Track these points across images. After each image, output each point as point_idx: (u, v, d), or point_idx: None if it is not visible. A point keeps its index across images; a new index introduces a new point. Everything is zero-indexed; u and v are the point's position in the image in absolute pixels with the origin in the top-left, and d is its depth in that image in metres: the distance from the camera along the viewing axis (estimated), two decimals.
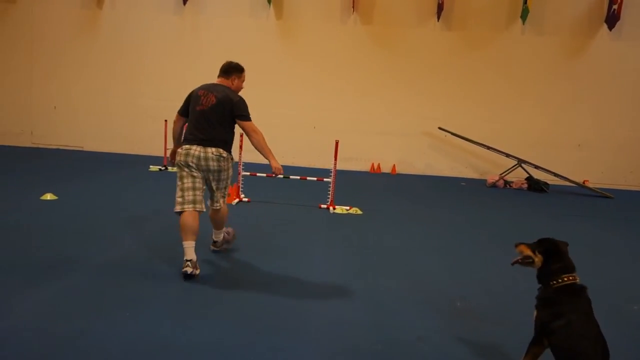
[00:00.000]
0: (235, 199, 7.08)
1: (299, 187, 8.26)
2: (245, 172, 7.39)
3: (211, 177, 4.23)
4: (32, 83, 12.08)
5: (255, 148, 4.37)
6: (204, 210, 4.20)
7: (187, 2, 11.52)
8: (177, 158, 4.19)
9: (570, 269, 2.61)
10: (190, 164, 4.10)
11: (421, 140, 11.75)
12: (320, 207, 7.08)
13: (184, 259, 3.96)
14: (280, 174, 4.56)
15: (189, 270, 3.90)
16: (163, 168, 9.66)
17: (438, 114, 11.49)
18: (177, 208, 4.12)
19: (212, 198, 4.39)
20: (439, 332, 3.32)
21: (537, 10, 10.90)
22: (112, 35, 11.83)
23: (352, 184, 9.60)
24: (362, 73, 11.61)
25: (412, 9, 11.36)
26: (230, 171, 4.35)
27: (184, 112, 4.40)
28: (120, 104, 11.91)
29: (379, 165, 11.78)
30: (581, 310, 2.50)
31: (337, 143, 7.06)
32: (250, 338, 3.08)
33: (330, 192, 7.07)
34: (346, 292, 3.95)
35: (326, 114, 11.73)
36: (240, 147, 7.25)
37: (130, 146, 11.84)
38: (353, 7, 11.24)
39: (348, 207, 7.04)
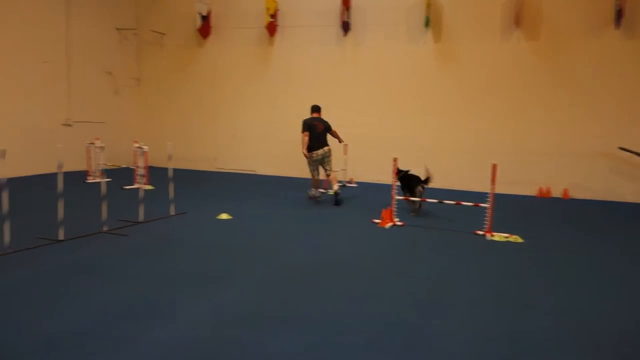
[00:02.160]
0: (389, 222, 7.19)
1: (455, 212, 8.06)
2: (398, 196, 7.45)
3: (325, 160, 8.86)
4: (217, 115, 13.80)
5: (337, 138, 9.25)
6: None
7: (348, 33, 12.15)
8: (315, 157, 8.76)
9: None
10: (319, 158, 8.78)
11: (598, 161, 10.56)
12: (476, 234, 6.81)
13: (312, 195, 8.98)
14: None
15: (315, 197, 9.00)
16: (324, 191, 10.20)
17: (617, 133, 10.25)
18: (315, 175, 8.98)
19: (325, 170, 8.98)
20: None
21: None
22: (281, 69, 12.99)
23: (515, 209, 9.04)
24: (525, 92, 10.93)
25: (584, 18, 10.40)
26: (331, 156, 8.92)
27: (309, 130, 8.70)
28: (286, 131, 12.94)
29: (547, 189, 10.88)
30: None
31: (494, 166, 6.75)
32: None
33: (487, 218, 6.76)
34: (489, 326, 3.75)
35: (486, 136, 11.28)
36: (394, 172, 7.35)
37: (294, 169, 12.75)
38: (516, 23, 10.69)
39: (507, 235, 6.66)
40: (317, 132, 8.72)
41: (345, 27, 12.09)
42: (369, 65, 12.15)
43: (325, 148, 8.79)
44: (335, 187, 8.85)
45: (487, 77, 11.22)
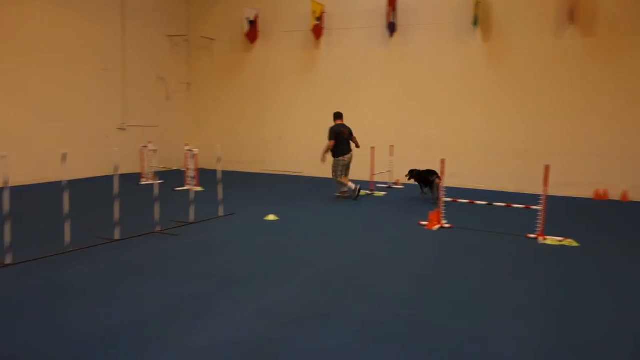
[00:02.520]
0: (436, 224, 7.08)
1: (505, 215, 7.85)
2: (447, 198, 7.33)
3: (349, 164, 9.51)
4: (264, 118, 14.01)
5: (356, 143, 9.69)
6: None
7: (394, 34, 12.06)
8: (343, 162, 9.45)
9: None
10: (347, 162, 9.46)
11: None
12: (527, 237, 6.61)
13: (353, 189, 9.40)
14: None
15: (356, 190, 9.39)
16: (370, 192, 10.17)
17: None
18: (342, 179, 9.47)
19: (347, 173, 9.58)
20: None
21: None
22: (327, 72, 13.05)
23: (569, 212, 8.71)
24: (579, 90, 10.51)
25: None
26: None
27: (335, 138, 9.36)
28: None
29: (605, 191, 10.40)
30: None
31: (547, 168, 6.52)
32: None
33: (539, 221, 6.54)
34: (546, 336, 3.63)
35: (538, 136, 10.92)
36: (442, 172, 7.25)
37: None
38: (570, 19, 10.29)
39: (561, 238, 6.42)
40: (344, 138, 9.48)
41: (391, 28, 12.00)
42: (415, 65, 12.02)
43: (351, 153, 9.58)
44: (352, 185, 9.55)
45: (538, 75, 10.86)
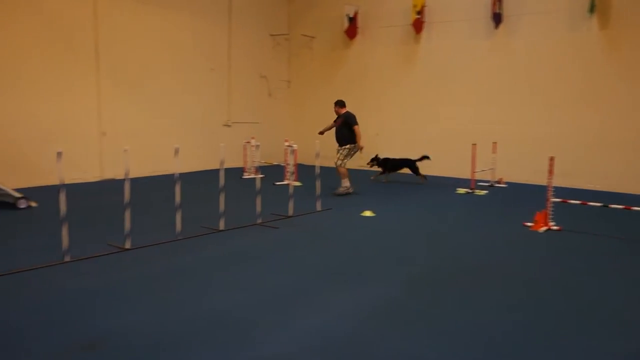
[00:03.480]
0: (543, 226, 6.65)
1: (624, 219, 7.18)
2: (555, 198, 6.86)
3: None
4: (362, 114, 13.98)
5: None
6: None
7: (500, 25, 11.48)
8: (355, 150, 9.25)
9: None
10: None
11: None
12: None
13: (348, 186, 9.19)
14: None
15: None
16: (470, 191, 9.80)
17: None
18: (345, 170, 9.27)
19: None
20: None
21: None
22: (427, 66, 12.75)
23: None
24: None
25: None
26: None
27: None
28: (431, 129, 12.69)
29: None
30: None
31: None
32: None
33: None
34: None
35: None
36: (550, 171, 6.78)
37: (441, 169, 12.42)
38: None
39: None
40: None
41: (497, 18, 11.43)
42: (523, 58, 11.34)
43: None
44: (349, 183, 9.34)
45: None
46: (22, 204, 7.26)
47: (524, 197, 9.45)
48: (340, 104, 9.64)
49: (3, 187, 7.09)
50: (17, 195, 7.24)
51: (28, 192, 7.67)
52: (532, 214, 6.90)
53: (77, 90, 10.08)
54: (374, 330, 3.47)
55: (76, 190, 8.84)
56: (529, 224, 6.85)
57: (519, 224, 6.96)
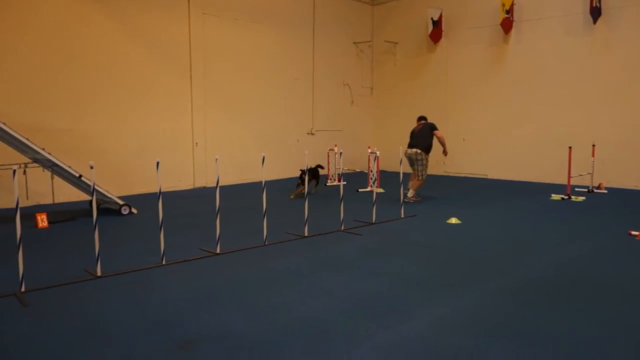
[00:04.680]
0: None
1: None
2: None
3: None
4: (447, 119, 13.69)
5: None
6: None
7: (599, 19, 10.71)
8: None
9: None
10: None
11: None
12: None
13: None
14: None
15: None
16: (566, 197, 9.20)
17: None
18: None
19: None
20: None
21: None
22: (517, 68, 12.18)
23: None
24: None
25: None
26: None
27: None
28: (522, 132, 12.08)
29: None
30: None
31: None
32: None
33: None
34: None
35: None
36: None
37: (532, 174, 11.80)
38: None
39: None
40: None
41: (595, 13, 10.67)
42: (625, 53, 10.50)
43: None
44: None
45: None
46: (125, 211, 7.85)
47: (628, 203, 8.71)
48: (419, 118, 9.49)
49: (109, 195, 7.71)
50: (121, 202, 7.84)
51: (129, 200, 8.28)
52: (638, 222, 6.33)
53: (174, 105, 10.75)
54: (461, 341, 3.35)
55: (172, 198, 9.41)
56: (635, 232, 6.30)
57: (623, 232, 6.42)
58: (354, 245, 5.97)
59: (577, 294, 4.28)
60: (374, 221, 7.15)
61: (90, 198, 6.44)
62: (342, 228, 6.71)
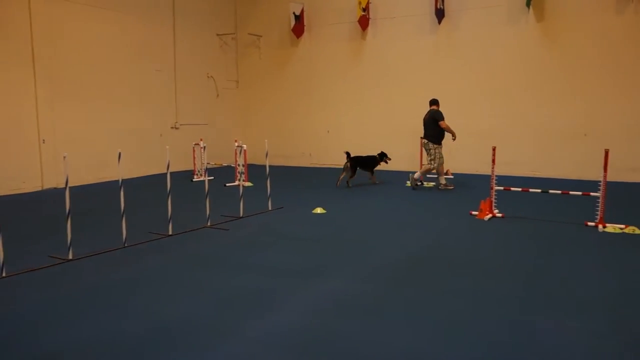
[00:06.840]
0: (488, 214, 6.88)
1: (562, 203, 7.52)
2: (498, 186, 7.10)
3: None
4: (311, 112, 14.06)
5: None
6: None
7: (443, 20, 11.76)
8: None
9: None
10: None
11: None
12: (586, 225, 6.31)
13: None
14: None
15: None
16: (419, 183, 10.00)
17: None
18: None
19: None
20: None
21: None
22: (374, 63, 12.92)
23: (633, 198, 8.24)
24: None
25: None
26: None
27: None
28: (381, 125, 12.86)
29: None
30: None
31: (607, 152, 6.19)
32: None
33: (599, 208, 6.23)
34: (607, 337, 3.45)
35: (597, 120, 10.39)
36: (493, 161, 7.03)
37: (390, 163, 12.60)
38: None
39: (623, 226, 6.09)
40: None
41: (439, 14, 11.72)
42: (466, 51, 11.69)
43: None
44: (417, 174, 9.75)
45: (597, 55, 10.31)
46: None
47: (469, 187, 9.74)
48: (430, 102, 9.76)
49: None
50: None
51: None
52: (477, 203, 7.12)
53: (10, 95, 9.58)
54: (332, 325, 3.49)
55: (14, 202, 8.44)
56: (474, 212, 7.06)
57: (465, 213, 7.17)
58: (221, 241, 5.89)
59: (427, 271, 4.68)
60: (241, 215, 7.12)
61: None
62: (209, 224, 6.57)
